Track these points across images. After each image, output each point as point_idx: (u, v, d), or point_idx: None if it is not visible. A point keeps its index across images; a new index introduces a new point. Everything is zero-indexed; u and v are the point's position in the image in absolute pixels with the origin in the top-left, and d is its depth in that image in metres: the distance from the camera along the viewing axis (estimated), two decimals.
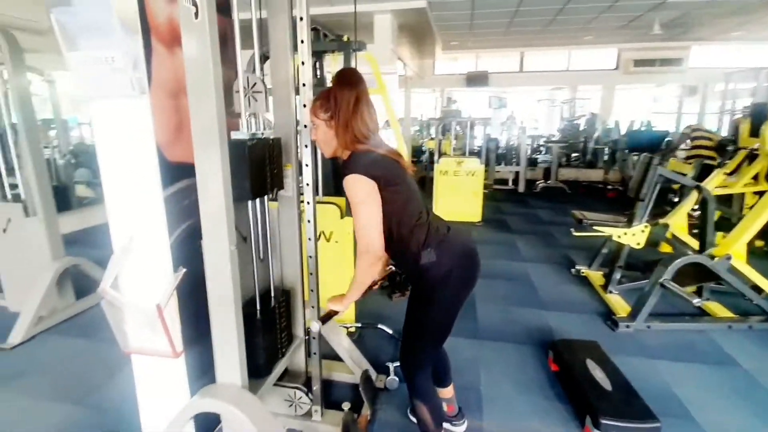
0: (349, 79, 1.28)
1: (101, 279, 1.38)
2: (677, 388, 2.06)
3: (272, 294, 1.76)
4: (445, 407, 1.78)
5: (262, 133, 1.54)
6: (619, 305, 2.89)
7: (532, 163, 9.19)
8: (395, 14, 5.48)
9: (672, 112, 10.49)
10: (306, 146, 1.53)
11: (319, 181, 2.32)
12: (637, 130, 8.54)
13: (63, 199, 4.91)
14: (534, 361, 2.31)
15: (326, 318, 1.36)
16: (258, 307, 1.67)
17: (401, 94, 6.62)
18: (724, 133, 7.68)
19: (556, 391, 2.05)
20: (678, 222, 3.20)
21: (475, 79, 9.54)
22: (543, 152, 9.49)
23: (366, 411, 1.85)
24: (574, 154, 9.56)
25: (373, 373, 2.09)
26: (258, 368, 1.67)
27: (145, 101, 1.32)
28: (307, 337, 1.94)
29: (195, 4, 1.16)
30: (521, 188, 7.59)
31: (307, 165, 1.55)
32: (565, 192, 7.50)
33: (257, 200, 1.62)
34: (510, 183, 7.92)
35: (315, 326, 1.26)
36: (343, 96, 1.26)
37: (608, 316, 2.77)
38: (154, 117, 1.36)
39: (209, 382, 1.56)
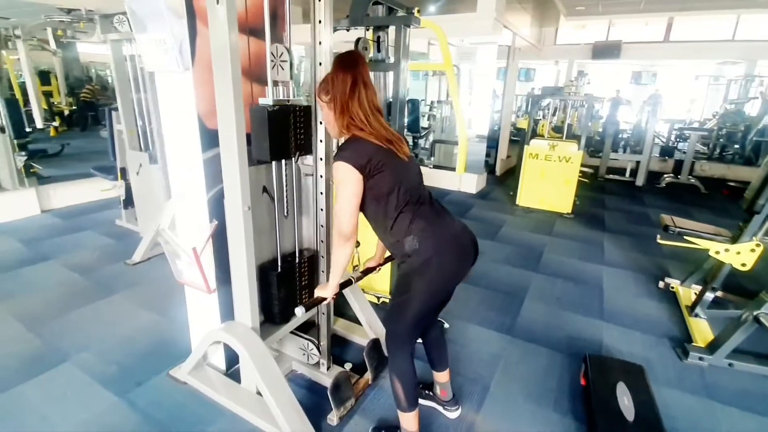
0: (347, 62, 1.31)
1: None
2: None
3: (296, 253, 1.96)
4: (438, 390, 1.80)
5: (288, 100, 1.67)
6: (701, 333, 2.43)
7: (668, 152, 7.78)
8: None
9: None
10: (321, 123, 1.62)
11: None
12: None
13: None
14: (562, 371, 2.13)
15: (311, 305, 1.46)
16: (279, 263, 1.88)
17: (511, 66, 6.12)
18: None
19: (574, 408, 1.88)
20: None
21: (604, 51, 8.23)
22: (686, 140, 7.89)
23: (368, 375, 1.98)
24: (734, 147, 7.76)
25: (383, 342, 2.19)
26: (274, 316, 1.91)
27: (188, 76, 1.57)
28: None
29: None
30: (640, 181, 6.55)
31: (321, 141, 1.65)
32: (698, 191, 6.24)
33: (283, 169, 1.79)
34: (627, 174, 6.87)
35: (299, 311, 1.39)
36: (340, 79, 1.30)
37: (681, 342, 2.36)
38: (197, 90, 1.60)
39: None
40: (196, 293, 1.93)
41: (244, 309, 1.71)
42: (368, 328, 2.21)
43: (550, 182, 4.78)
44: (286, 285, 1.90)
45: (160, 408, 1.78)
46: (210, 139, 1.67)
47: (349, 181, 1.29)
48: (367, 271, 1.73)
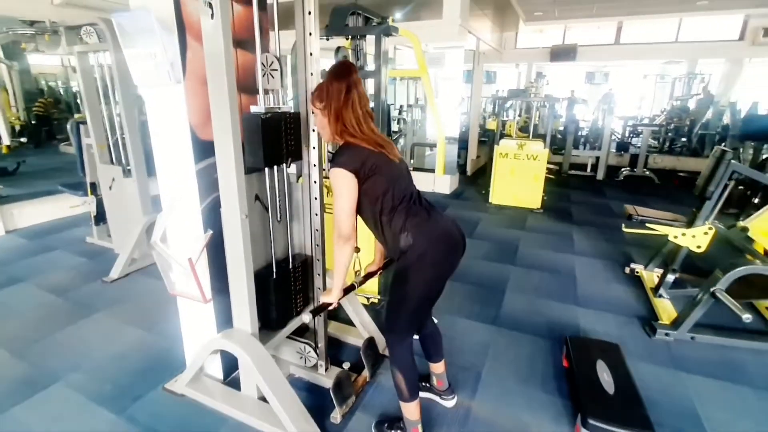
0: (340, 71, 1.39)
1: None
2: (702, 406, 1.90)
3: (290, 259, 2.00)
4: (434, 381, 1.89)
5: (279, 108, 1.72)
6: (666, 311, 2.65)
7: (624, 147, 8.29)
8: None
9: None
10: (313, 130, 1.68)
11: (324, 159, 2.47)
12: (760, 115, 7.16)
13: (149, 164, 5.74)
14: (546, 355, 2.28)
15: (318, 310, 1.52)
16: (274, 269, 1.91)
17: (477, 70, 6.37)
18: None
19: (560, 387, 2.03)
20: (761, 227, 2.77)
21: (561, 53, 8.72)
22: (639, 136, 8.45)
23: (365, 373, 2.04)
24: (681, 140, 8.38)
25: (381, 341, 2.26)
26: (271, 321, 1.94)
27: (180, 89, 1.59)
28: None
29: (210, 6, 1.36)
30: (600, 175, 6.96)
31: (314, 147, 1.71)
32: (652, 182, 6.71)
33: (275, 176, 1.84)
34: (588, 169, 7.28)
35: (306, 318, 1.45)
36: (334, 88, 1.38)
37: (649, 321, 2.57)
38: (189, 101, 1.63)
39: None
40: (190, 304, 1.93)
41: (244, 316, 1.74)
42: (362, 328, 2.28)
43: (519, 180, 5.01)
44: (282, 290, 1.93)
45: (161, 421, 1.78)
46: (202, 149, 1.70)
47: (345, 184, 1.37)
48: (369, 276, 1.80)
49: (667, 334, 2.41)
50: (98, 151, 3.42)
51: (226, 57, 1.40)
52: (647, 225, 2.76)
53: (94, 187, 3.61)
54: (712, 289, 2.27)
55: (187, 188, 1.72)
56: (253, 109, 1.65)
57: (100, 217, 3.68)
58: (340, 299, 1.56)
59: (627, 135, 9.02)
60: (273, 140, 1.68)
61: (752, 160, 5.99)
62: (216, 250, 1.78)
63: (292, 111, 1.77)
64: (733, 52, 8.25)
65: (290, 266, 1.98)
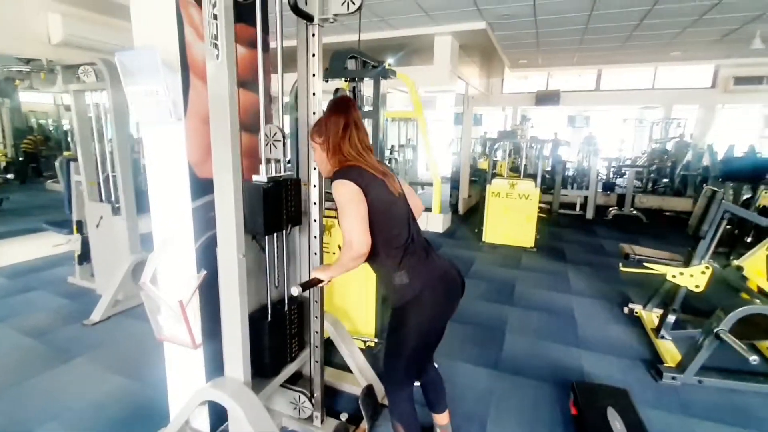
0: (339, 107, 1.40)
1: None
2: None
3: (286, 301, 1.91)
4: None
5: (280, 176, 1.68)
6: (669, 353, 2.59)
7: (609, 187, 8.51)
8: (456, 35, 5.53)
9: None
10: (314, 168, 1.67)
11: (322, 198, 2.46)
12: (737, 157, 7.49)
13: (145, 201, 5.71)
14: (553, 401, 2.18)
15: (307, 285, 1.42)
16: (269, 312, 1.83)
17: (466, 113, 6.60)
18: None
19: None
20: (755, 266, 2.79)
21: (545, 98, 9.14)
22: (623, 176, 8.71)
23: (364, 425, 1.91)
24: (664, 180, 8.67)
25: (381, 389, 2.14)
26: (264, 368, 1.82)
27: (181, 127, 1.58)
28: (316, 348, 2.06)
29: (216, 47, 1.37)
30: (589, 214, 7.07)
31: (315, 186, 1.69)
32: (640, 221, 6.82)
33: None
34: (578, 208, 7.41)
35: (294, 290, 1.35)
36: (332, 122, 1.38)
37: (654, 364, 2.50)
38: (189, 139, 1.61)
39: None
40: (178, 350, 1.82)
41: (237, 363, 1.63)
42: (359, 375, 2.16)
43: (512, 219, 5.05)
44: (277, 334, 1.84)
45: None
46: (200, 187, 1.66)
47: (354, 198, 1.31)
48: None
49: (674, 378, 2.34)
50: (88, 189, 3.36)
51: (230, 98, 1.40)
52: (644, 264, 2.75)
53: (80, 225, 3.51)
54: (715, 330, 2.24)
55: (182, 226, 1.66)
56: (255, 178, 1.61)
57: (84, 257, 3.55)
58: (329, 281, 1.47)
59: (611, 175, 9.30)
60: (274, 209, 1.63)
61: (733, 200, 6.19)
62: (209, 291, 1.70)
63: (293, 177, 1.74)
64: (706, 99, 8.73)
65: (285, 308, 1.90)
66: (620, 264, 2.98)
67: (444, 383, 1.74)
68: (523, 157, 5.47)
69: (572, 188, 8.18)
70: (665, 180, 8.72)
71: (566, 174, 8.42)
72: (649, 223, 6.76)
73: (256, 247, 1.86)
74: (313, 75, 1.61)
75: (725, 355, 2.37)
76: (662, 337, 2.77)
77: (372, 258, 1.41)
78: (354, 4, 1.44)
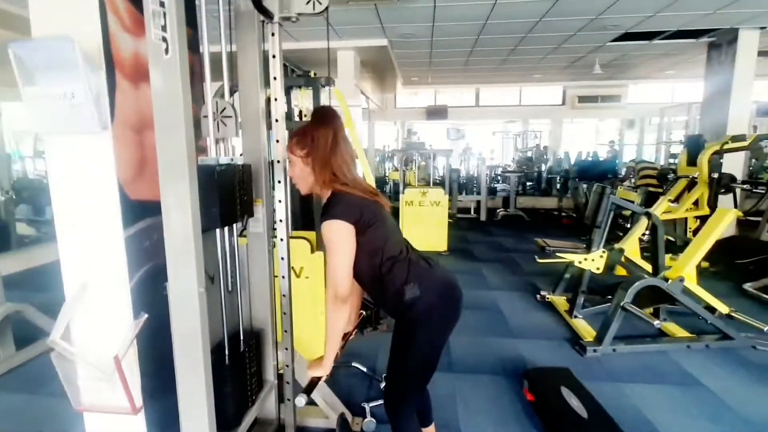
0: (325, 117, 1.29)
1: (47, 326, 1.25)
2: (648, 412, 2.11)
3: (241, 337, 1.66)
4: None
5: (232, 159, 1.50)
6: (585, 330, 2.97)
7: (492, 192, 9.57)
8: (358, 51, 5.67)
9: (615, 144, 11.44)
10: (279, 182, 1.50)
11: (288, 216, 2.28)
12: (585, 161, 9.15)
13: (2, 237, 4.55)
14: (509, 391, 2.30)
15: (310, 388, 1.29)
16: (227, 351, 1.56)
17: (365, 126, 6.76)
18: (662, 162, 8.42)
19: (533, 422, 2.04)
20: (631, 246, 3.39)
21: (435, 113, 9.95)
22: (500, 181, 9.91)
23: None
24: (528, 183, 10.10)
25: (348, 416, 1.99)
26: (227, 419, 1.55)
27: (107, 137, 1.26)
28: (278, 382, 1.84)
29: (165, 40, 1.14)
30: (483, 217, 7.82)
31: (280, 201, 1.51)
32: (524, 220, 7.80)
33: (225, 237, 1.55)
34: (472, 212, 8.14)
35: (300, 400, 1.20)
36: (320, 134, 1.26)
37: (576, 341, 2.84)
38: (116, 153, 1.29)
39: None
40: (104, 420, 1.43)
41: (200, 419, 1.35)
42: (325, 405, 1.98)
43: (425, 225, 5.29)
44: (237, 377, 1.58)
45: None
46: (133, 211, 1.35)
47: (343, 238, 1.23)
48: (346, 338, 1.59)
49: (594, 351, 2.68)
50: None
51: (184, 99, 1.17)
52: (557, 254, 3.13)
53: None
54: (622, 304, 2.64)
55: (111, 261, 1.32)
56: (204, 160, 1.40)
57: None
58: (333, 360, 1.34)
59: (490, 182, 10.50)
60: (229, 196, 1.44)
61: (585, 193, 7.48)
62: (148, 340, 1.38)
63: (243, 163, 1.56)
64: (557, 114, 10.52)
65: (241, 346, 1.64)
66: (536, 256, 3.34)
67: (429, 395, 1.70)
68: (431, 167, 5.80)
69: (465, 194, 9.00)
70: (530, 183, 10.19)
71: (460, 182, 9.23)
72: (530, 220, 7.77)
73: (206, 277, 1.58)
74: (274, 78, 1.45)
75: (625, 325, 2.81)
76: (575, 317, 3.17)
77: (375, 280, 1.32)
78: (321, 4, 1.35)
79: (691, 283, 2.79)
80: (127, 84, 1.33)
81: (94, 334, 1.37)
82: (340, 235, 1.22)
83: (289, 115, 2.54)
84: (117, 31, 1.28)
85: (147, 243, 1.43)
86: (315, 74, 2.35)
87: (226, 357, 1.55)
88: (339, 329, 1.28)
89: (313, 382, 1.29)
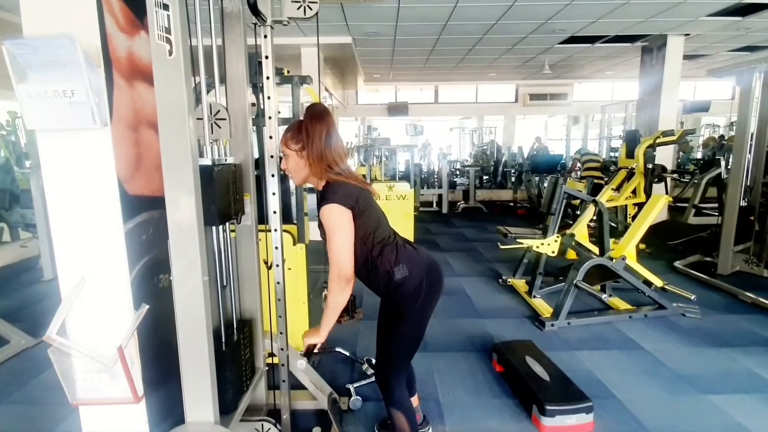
0: (319, 113, 1.40)
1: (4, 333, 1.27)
2: (599, 372, 2.42)
3: (234, 326, 1.73)
4: None
5: (225, 159, 1.57)
6: (543, 307, 3.28)
7: (452, 185, 9.94)
8: (322, 47, 5.70)
9: (562, 138, 12.26)
10: (273, 175, 1.58)
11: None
12: (536, 155, 9.73)
13: None
14: (480, 365, 2.53)
15: (308, 353, 1.41)
16: (224, 339, 1.63)
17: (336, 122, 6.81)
18: (604, 155, 9.15)
19: (503, 389, 2.27)
20: (581, 231, 3.75)
21: (396, 109, 10.14)
22: (459, 175, 10.31)
23: None
24: (485, 177, 10.59)
25: (336, 396, 2.11)
26: (226, 404, 1.62)
27: (107, 133, 1.30)
28: (267, 368, 1.92)
29: (169, 42, 1.20)
30: (445, 209, 8.14)
31: (274, 193, 1.60)
32: (482, 211, 8.20)
33: (218, 230, 1.62)
34: (434, 205, 8.44)
35: (301, 363, 1.31)
36: (315, 129, 1.37)
37: (535, 317, 3.13)
38: (115, 149, 1.33)
39: (172, 425, 1.49)
40: (101, 412, 1.46)
41: (205, 404, 1.42)
42: (314, 388, 2.08)
43: (393, 218, 5.40)
44: (234, 362, 1.66)
45: None
46: (131, 206, 1.40)
47: (342, 221, 1.35)
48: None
49: (552, 325, 2.98)
50: None
51: (188, 98, 1.24)
52: (517, 240, 3.41)
53: None
54: (574, 282, 2.95)
55: (111, 256, 1.36)
56: (201, 161, 1.45)
57: None
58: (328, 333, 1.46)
59: (450, 175, 10.88)
60: (224, 194, 1.51)
61: (537, 185, 8.01)
62: (147, 331, 1.44)
63: (235, 163, 1.63)
64: (510, 111, 11.07)
65: (235, 335, 1.72)
66: (499, 243, 3.60)
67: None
68: (394, 161, 5.96)
69: (426, 188, 9.30)
70: (486, 177, 10.69)
71: (422, 176, 9.51)
72: (488, 212, 8.18)
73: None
74: (267, 78, 1.53)
75: (577, 302, 3.13)
76: (534, 297, 3.48)
77: (367, 262, 1.45)
78: (311, 9, 1.45)
79: (632, 261, 3.15)
80: (123, 82, 1.37)
81: (95, 327, 1.41)
82: (341, 218, 1.34)
83: (262, 112, 2.59)
84: (113, 31, 1.31)
85: (144, 237, 1.48)
86: (288, 72, 2.42)
87: (223, 344, 1.62)
88: (340, 305, 1.40)
89: (310, 349, 1.41)
